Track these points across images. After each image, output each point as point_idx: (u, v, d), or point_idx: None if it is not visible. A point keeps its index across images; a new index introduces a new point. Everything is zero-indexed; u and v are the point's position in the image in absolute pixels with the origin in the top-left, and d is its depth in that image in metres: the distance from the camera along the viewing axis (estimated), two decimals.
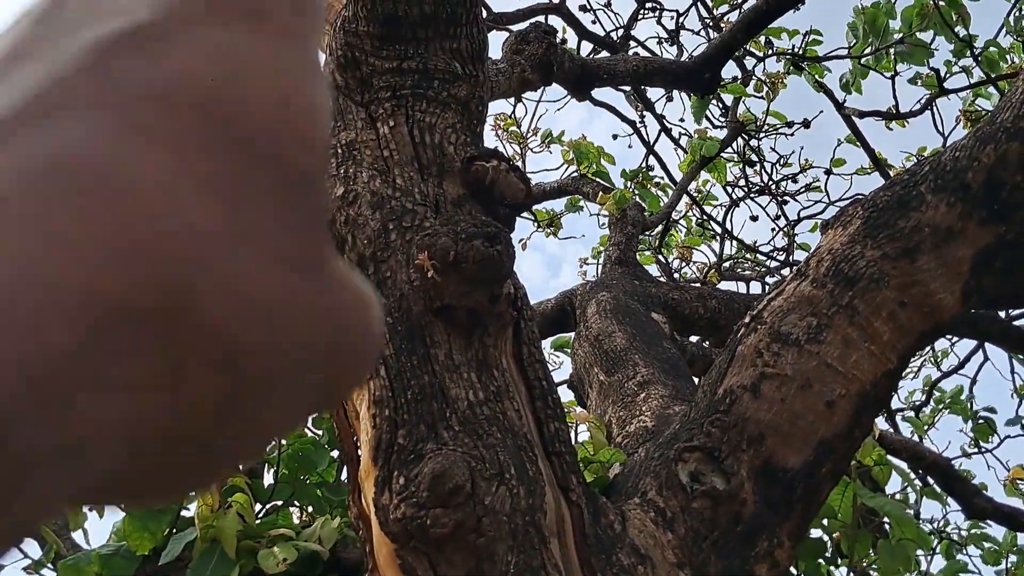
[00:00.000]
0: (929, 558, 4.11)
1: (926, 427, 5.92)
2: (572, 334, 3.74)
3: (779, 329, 1.81)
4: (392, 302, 1.59)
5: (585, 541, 1.54)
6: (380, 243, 1.61)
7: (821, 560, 2.30)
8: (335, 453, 2.34)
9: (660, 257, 5.59)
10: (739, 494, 1.70)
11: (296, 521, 2.16)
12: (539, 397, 1.66)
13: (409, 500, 1.43)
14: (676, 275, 5.86)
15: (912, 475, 2.33)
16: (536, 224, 5.42)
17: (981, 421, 4.79)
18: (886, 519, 2.85)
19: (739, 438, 1.75)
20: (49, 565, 1.96)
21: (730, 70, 5.14)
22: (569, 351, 3.71)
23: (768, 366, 1.79)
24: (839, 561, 2.41)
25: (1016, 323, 4.65)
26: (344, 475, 2.27)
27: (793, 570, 2.37)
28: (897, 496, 2.80)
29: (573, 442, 1.76)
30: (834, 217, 1.94)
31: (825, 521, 2.31)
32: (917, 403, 6.26)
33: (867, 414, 1.81)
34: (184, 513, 2.04)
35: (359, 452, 1.63)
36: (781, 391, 1.76)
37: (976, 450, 5.42)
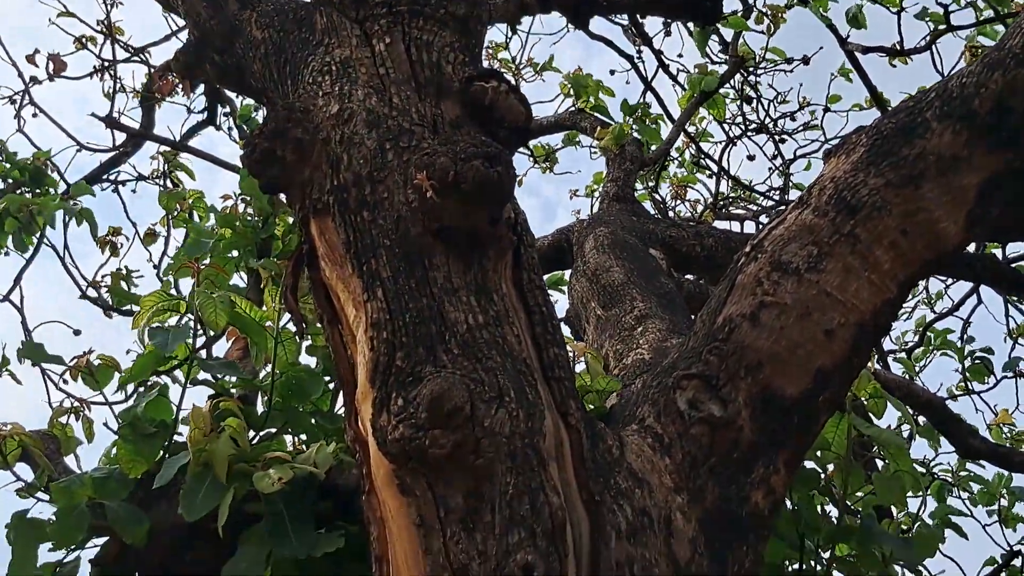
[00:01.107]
0: (921, 500, 4.14)
1: (918, 369, 5.94)
2: (567, 272, 3.73)
3: (779, 258, 1.79)
4: (389, 224, 1.57)
5: (583, 465, 1.53)
6: (377, 163, 1.58)
7: (814, 491, 2.30)
8: (329, 382, 2.33)
9: (655, 196, 5.56)
10: (736, 421, 1.70)
11: (291, 449, 2.15)
12: (539, 323, 1.64)
13: (407, 421, 1.42)
14: (670, 214, 5.83)
15: (908, 410, 2.33)
16: (532, 159, 5.38)
17: (978, 361, 4.79)
18: (878, 457, 2.87)
19: (737, 366, 1.74)
20: (42, 489, 1.96)
21: (732, 4, 5.07)
22: (564, 289, 3.69)
23: (768, 295, 1.78)
24: (832, 494, 2.42)
25: (1014, 266, 4.66)
26: (339, 403, 2.26)
27: (789, 504, 2.37)
28: None
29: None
30: (837, 145, 1.91)
31: (819, 453, 2.31)
32: (909, 344, 6.27)
33: (866, 343, 1.80)
34: (177, 439, 2.04)
35: (355, 376, 1.62)
36: (780, 320, 1.75)
37: (964, 392, 5.44)
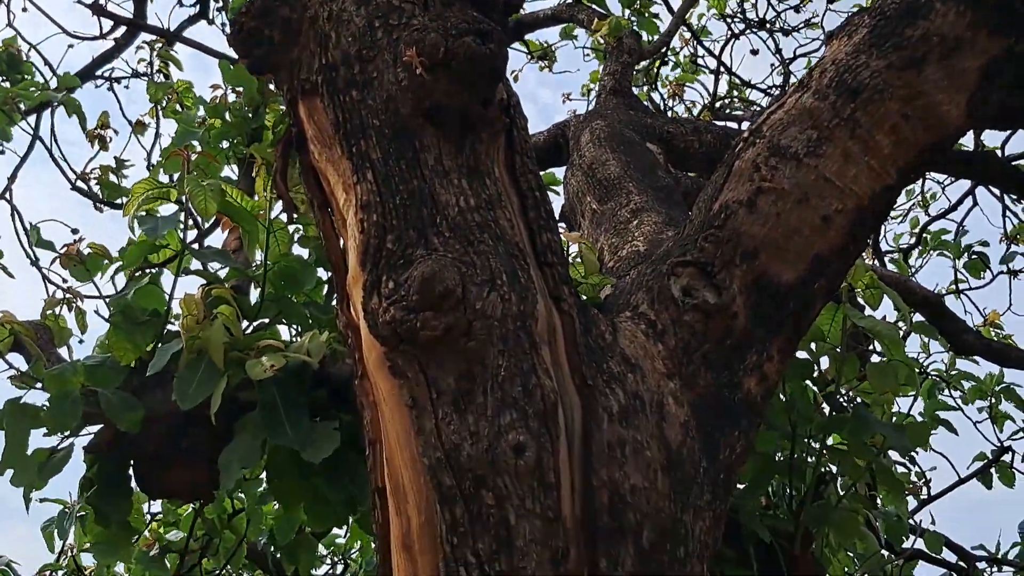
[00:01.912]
0: (913, 398, 4.16)
1: (913, 271, 5.94)
2: (561, 172, 3.68)
3: (778, 143, 1.76)
4: (379, 104, 1.54)
5: (576, 349, 1.52)
6: (366, 41, 1.54)
7: (808, 382, 2.31)
8: (323, 273, 2.32)
9: (652, 95, 5.48)
10: (731, 308, 1.69)
11: (284, 339, 2.15)
12: (532, 207, 1.62)
13: (399, 304, 1.41)
14: (668, 115, 5.76)
15: (904, 304, 2.31)
16: (529, 55, 5.28)
17: (974, 257, 4.78)
18: (873, 351, 2.87)
19: (733, 253, 1.72)
20: (36, 379, 1.95)
21: None
22: (559, 189, 3.65)
23: (765, 180, 1.75)
24: (826, 387, 2.43)
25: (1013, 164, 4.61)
26: (333, 295, 2.25)
27: (781, 396, 2.38)
28: None
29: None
30: (839, 27, 1.86)
31: (814, 345, 2.31)
32: (905, 246, 6.26)
33: (863, 230, 1.78)
34: (170, 328, 2.03)
35: (346, 261, 1.60)
36: (777, 205, 1.73)
37: (955, 292, 5.44)
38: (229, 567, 4.48)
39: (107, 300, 2.17)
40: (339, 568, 5.67)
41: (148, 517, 3.80)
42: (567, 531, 1.41)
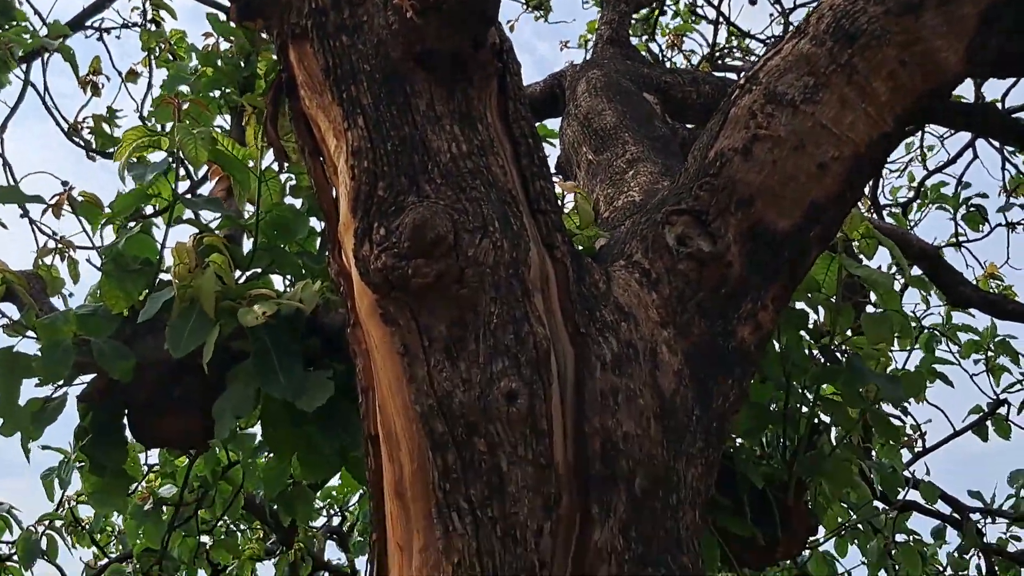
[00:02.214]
0: (909, 350, 4.16)
1: (911, 225, 5.93)
2: (556, 125, 3.65)
3: (774, 89, 1.74)
4: (369, 48, 1.51)
5: (569, 297, 1.52)
6: None
7: (803, 333, 2.31)
8: (315, 223, 2.30)
9: (650, 45, 5.42)
10: (725, 256, 1.68)
11: (277, 289, 2.13)
12: (524, 154, 1.60)
13: (390, 251, 1.39)
14: (666, 64, 5.71)
15: (901, 254, 2.30)
16: (525, 5, 5.22)
17: (972, 209, 4.77)
18: (868, 302, 2.87)
19: (728, 201, 1.71)
20: (28, 328, 1.94)
21: None
22: (555, 141, 3.62)
23: (761, 128, 1.73)
24: (820, 339, 2.42)
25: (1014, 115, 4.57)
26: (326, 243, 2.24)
27: (776, 347, 2.38)
28: None
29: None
30: None
31: (809, 295, 2.30)
32: (903, 200, 6.24)
33: (860, 178, 1.77)
34: (162, 277, 2.02)
35: (337, 209, 1.59)
36: (773, 153, 1.71)
37: (956, 244, 5.43)
38: (226, 518, 4.52)
39: (99, 250, 2.15)
40: (336, 520, 5.72)
41: (145, 469, 3.82)
42: (559, 478, 1.41)
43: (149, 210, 2.42)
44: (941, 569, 5.14)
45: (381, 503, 1.52)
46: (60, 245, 2.23)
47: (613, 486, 1.44)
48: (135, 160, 2.00)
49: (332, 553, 5.81)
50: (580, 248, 2.00)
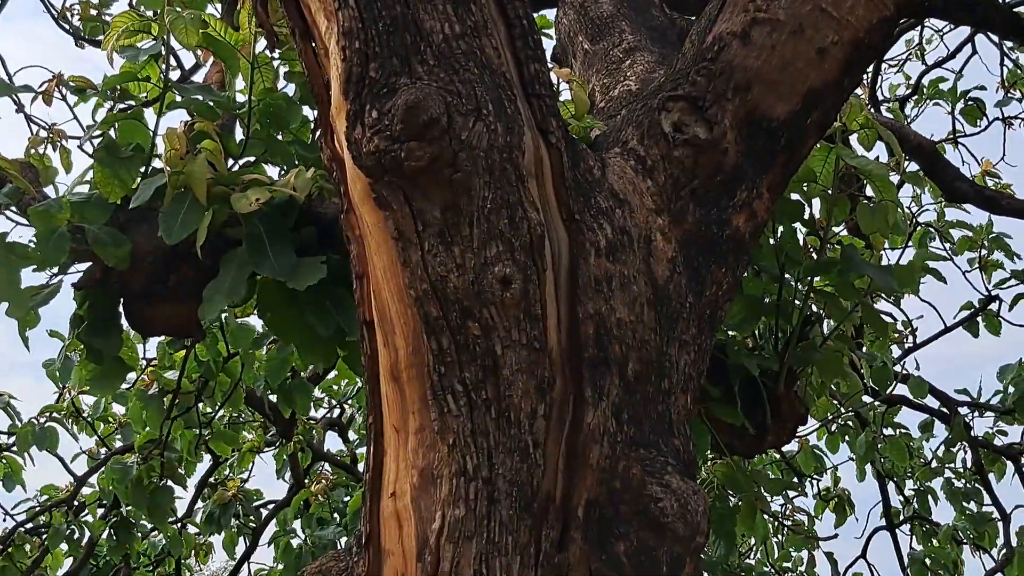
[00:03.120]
0: (903, 246, 4.17)
1: (908, 121, 5.87)
2: (552, 14, 3.58)
3: None
4: None
5: (563, 183, 1.51)
6: None
7: (798, 224, 2.31)
8: (309, 112, 2.28)
9: None
10: (721, 143, 1.67)
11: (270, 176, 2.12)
12: (519, 36, 1.57)
13: (382, 133, 1.38)
14: None
15: (898, 145, 2.28)
16: None
17: (970, 103, 4.73)
18: (863, 196, 2.86)
19: (725, 87, 1.69)
20: (13, 208, 1.93)
21: None
22: (550, 32, 3.56)
23: (760, 11, 1.70)
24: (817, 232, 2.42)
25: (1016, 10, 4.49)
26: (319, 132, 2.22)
27: (771, 240, 2.38)
28: None
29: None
30: None
31: (805, 186, 2.29)
32: (901, 96, 6.18)
33: (859, 64, 1.75)
34: (156, 164, 2.00)
35: (329, 93, 1.57)
36: (772, 37, 1.69)
37: (953, 141, 5.39)
38: (226, 411, 4.58)
39: (92, 137, 2.13)
40: (336, 412, 5.79)
41: (144, 363, 3.85)
42: (553, 361, 1.42)
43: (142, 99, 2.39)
44: (927, 461, 5.24)
45: (377, 387, 1.54)
46: (52, 134, 2.20)
47: (606, 370, 1.45)
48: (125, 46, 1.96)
49: (332, 444, 5.91)
50: (576, 137, 1.99)
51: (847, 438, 4.95)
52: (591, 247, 1.50)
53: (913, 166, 3.84)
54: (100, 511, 4.46)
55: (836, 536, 4.71)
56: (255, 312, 2.12)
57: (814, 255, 2.38)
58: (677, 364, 1.60)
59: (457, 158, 1.38)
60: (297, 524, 5.07)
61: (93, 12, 3.96)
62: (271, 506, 5.16)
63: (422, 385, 1.43)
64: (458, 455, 1.38)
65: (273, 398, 3.88)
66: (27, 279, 1.96)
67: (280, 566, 5.07)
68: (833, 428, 4.97)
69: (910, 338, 4.94)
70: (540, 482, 1.37)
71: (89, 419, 4.33)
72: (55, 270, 1.92)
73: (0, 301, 1.83)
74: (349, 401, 5.65)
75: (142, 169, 1.96)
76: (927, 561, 5.06)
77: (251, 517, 4.87)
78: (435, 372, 1.40)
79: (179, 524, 4.59)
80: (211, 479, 4.85)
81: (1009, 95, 4.69)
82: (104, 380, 2.04)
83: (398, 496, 1.44)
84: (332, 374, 4.60)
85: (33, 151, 2.23)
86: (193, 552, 4.93)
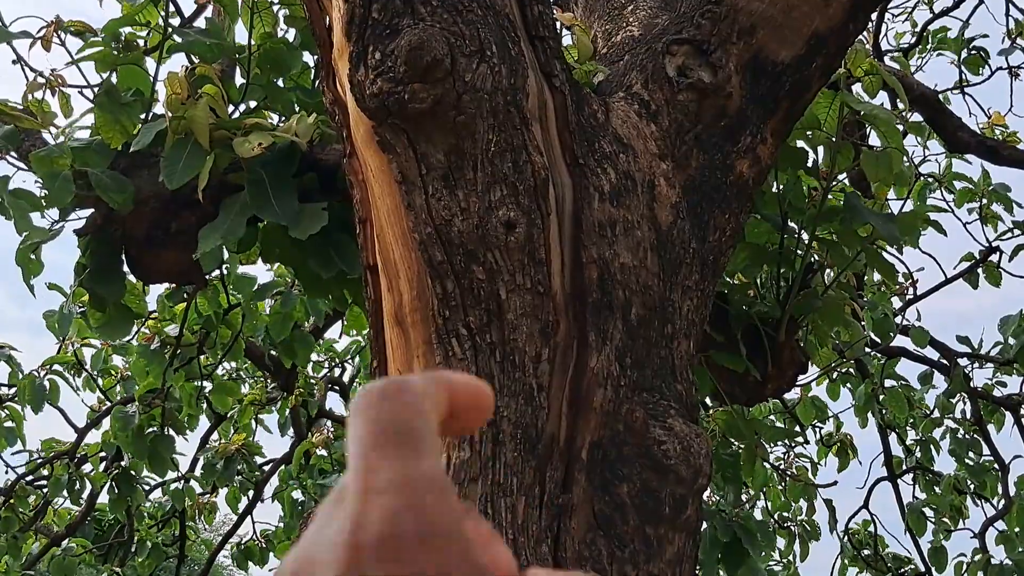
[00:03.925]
0: (904, 197, 4.15)
1: (913, 70, 5.82)
2: None
3: None
4: None
5: (567, 127, 1.50)
6: None
7: (801, 172, 2.30)
8: (309, 59, 2.26)
9: None
10: (726, 87, 1.66)
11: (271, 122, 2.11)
12: None
13: (386, 75, 1.37)
14: None
15: (903, 92, 2.26)
16: None
17: (974, 52, 4.68)
18: (865, 144, 2.84)
19: (730, 30, 1.68)
20: (13, 154, 1.92)
21: None
22: None
23: None
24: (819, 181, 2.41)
25: None
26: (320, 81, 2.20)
27: (775, 188, 2.37)
28: None
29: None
30: None
31: (810, 134, 2.28)
32: (906, 45, 6.12)
33: (864, 8, 1.74)
34: (157, 110, 1.99)
35: (331, 36, 1.56)
36: None
37: (961, 90, 5.35)
38: (227, 365, 4.59)
39: (93, 88, 2.11)
40: (336, 372, 5.80)
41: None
42: (557, 305, 1.42)
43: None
44: (928, 412, 5.26)
45: (381, 331, 1.54)
46: (51, 80, 2.18)
47: (610, 314, 1.45)
48: None
49: (333, 405, 5.93)
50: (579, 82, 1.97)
51: (848, 385, 4.96)
52: (595, 192, 1.49)
53: (916, 116, 3.82)
54: (102, 466, 4.48)
55: (836, 483, 4.74)
56: (259, 258, 2.11)
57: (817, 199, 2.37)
58: (680, 309, 1.60)
59: (461, 100, 1.37)
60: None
61: None
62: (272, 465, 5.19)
63: (427, 329, 1.43)
64: None
65: (274, 353, 3.89)
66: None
67: (282, 526, 5.11)
68: (834, 376, 4.98)
69: (911, 290, 4.94)
70: (544, 424, 1.38)
71: (90, 371, 4.34)
72: (56, 215, 1.92)
73: (22, 231, 1.83)
74: (351, 360, 5.65)
75: (143, 115, 1.94)
76: (926, 510, 5.10)
77: (255, 471, 4.90)
78: (440, 316, 1.41)
79: (182, 479, 4.61)
80: (213, 436, 4.87)
81: (1015, 44, 4.64)
82: (111, 327, 2.05)
83: None
84: (334, 331, 4.61)
85: (31, 96, 2.21)
86: (197, 511, 4.95)
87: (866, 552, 5.25)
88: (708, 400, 3.10)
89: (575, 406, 1.40)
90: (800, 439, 4.51)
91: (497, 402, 1.38)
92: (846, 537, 5.22)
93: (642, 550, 1.37)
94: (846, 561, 5.32)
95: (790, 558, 5.08)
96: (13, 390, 4.11)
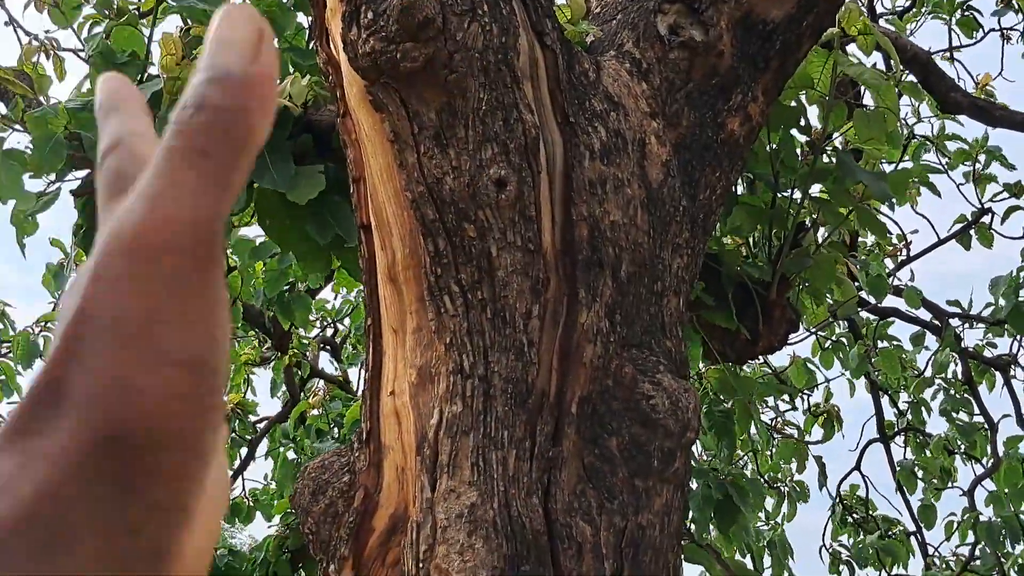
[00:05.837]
0: (898, 158, 4.16)
1: (908, 33, 5.81)
2: None
3: None
4: None
5: (559, 85, 1.51)
6: None
7: (794, 131, 2.31)
8: (303, 19, 2.27)
9: None
10: (717, 46, 1.67)
11: None
12: None
13: (378, 34, 1.38)
14: None
15: (896, 53, 2.28)
16: None
17: (967, 14, 4.68)
18: (859, 104, 2.85)
19: None
20: (18, 122, 1.93)
21: None
22: None
23: None
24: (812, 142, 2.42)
25: None
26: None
27: (767, 147, 2.38)
28: None
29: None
30: None
31: (802, 92, 2.29)
32: (900, 8, 6.11)
33: None
34: (152, 71, 2.00)
35: None
36: None
37: (950, 59, 5.34)
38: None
39: (88, 50, 2.11)
40: (329, 332, 5.84)
41: None
42: (547, 262, 1.44)
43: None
44: (920, 372, 5.31)
45: (375, 289, 1.56)
46: (46, 43, 2.19)
47: (600, 271, 1.47)
48: None
49: (325, 366, 5.96)
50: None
51: (840, 355, 5.01)
52: (585, 150, 1.51)
53: (910, 78, 3.82)
54: None
55: (829, 440, 4.80)
56: (254, 220, 2.13)
57: (810, 157, 2.38)
58: (670, 267, 1.62)
59: (452, 59, 1.39)
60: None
61: None
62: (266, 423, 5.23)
63: (419, 286, 1.45)
64: (455, 354, 1.41)
65: (271, 313, 3.91)
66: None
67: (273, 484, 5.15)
68: (827, 344, 5.03)
69: (904, 251, 4.96)
70: (535, 379, 1.41)
71: None
72: (52, 177, 1.93)
73: (7, 197, 1.84)
74: (345, 321, 5.68)
75: (138, 77, 1.95)
76: (916, 470, 5.16)
77: (247, 429, 4.94)
78: (432, 273, 1.43)
79: None
80: None
81: (1007, 6, 4.63)
82: None
83: (397, 394, 1.48)
84: (327, 291, 4.63)
85: (27, 60, 2.21)
86: None
87: (855, 516, 5.32)
88: (700, 365, 3.14)
89: (565, 361, 1.43)
90: (788, 397, 4.56)
91: (488, 358, 1.40)
92: (838, 499, 5.29)
93: (631, 502, 1.40)
94: (836, 524, 5.40)
95: (778, 519, 5.14)
96: (7, 346, 4.14)
